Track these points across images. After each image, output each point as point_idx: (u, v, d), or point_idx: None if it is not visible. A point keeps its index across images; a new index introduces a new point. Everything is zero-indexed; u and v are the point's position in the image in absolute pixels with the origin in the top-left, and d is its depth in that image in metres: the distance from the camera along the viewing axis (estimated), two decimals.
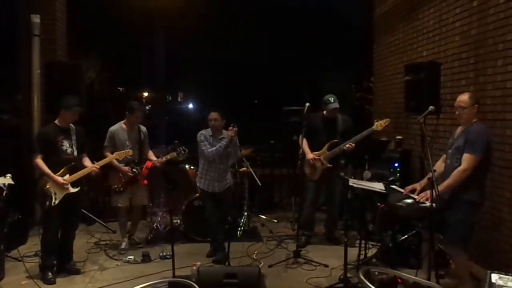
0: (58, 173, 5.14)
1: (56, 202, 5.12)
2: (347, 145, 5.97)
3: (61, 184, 5.10)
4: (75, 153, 5.32)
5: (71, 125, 5.35)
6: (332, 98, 6.17)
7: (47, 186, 5.12)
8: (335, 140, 6.14)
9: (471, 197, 4.34)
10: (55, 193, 5.12)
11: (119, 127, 6.17)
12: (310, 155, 6.18)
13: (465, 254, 4.49)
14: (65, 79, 6.66)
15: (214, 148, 5.70)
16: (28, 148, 5.55)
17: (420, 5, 7.00)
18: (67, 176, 5.18)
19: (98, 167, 5.37)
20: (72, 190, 5.19)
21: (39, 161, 5.14)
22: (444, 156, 4.69)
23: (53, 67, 6.97)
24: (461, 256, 4.48)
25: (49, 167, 5.14)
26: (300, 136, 6.25)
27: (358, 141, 5.98)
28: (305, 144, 6.25)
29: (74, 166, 5.27)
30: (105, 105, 22.64)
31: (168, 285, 4.38)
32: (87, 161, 5.46)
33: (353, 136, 6.05)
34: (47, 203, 5.10)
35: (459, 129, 4.57)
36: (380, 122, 5.82)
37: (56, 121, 5.34)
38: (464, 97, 4.47)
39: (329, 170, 6.21)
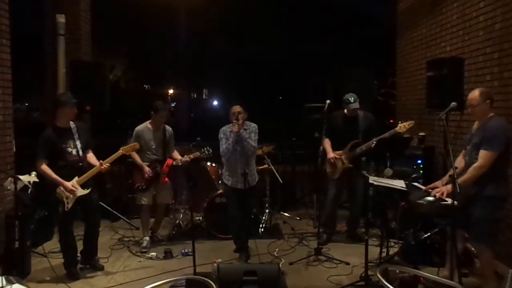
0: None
1: (69, 206, 5.08)
2: (373, 143, 5.91)
3: (70, 190, 5.03)
4: (80, 152, 5.21)
5: (71, 123, 5.26)
6: (352, 98, 6.09)
7: (58, 192, 5.07)
8: (356, 141, 6.09)
9: (492, 192, 4.28)
10: (66, 198, 5.07)
11: (144, 127, 6.25)
12: (331, 154, 6.16)
13: (491, 252, 4.41)
14: (90, 77, 6.80)
15: (224, 146, 5.64)
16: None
17: None
18: (75, 179, 5.10)
19: (107, 165, 5.23)
20: (82, 192, 5.13)
21: (45, 167, 5.03)
22: (463, 152, 4.62)
23: (77, 66, 7.11)
24: (487, 253, 4.41)
25: (57, 171, 5.05)
26: (323, 135, 6.23)
27: (380, 141, 5.92)
28: (326, 143, 6.22)
29: (82, 167, 5.19)
30: (131, 102, 22.95)
31: (186, 282, 4.43)
32: (93, 159, 5.33)
33: (375, 133, 6.00)
34: (60, 209, 5.08)
35: (475, 125, 4.50)
36: (404, 124, 5.74)
37: (55, 122, 5.20)
38: (474, 94, 4.38)
39: (350, 169, 6.17)
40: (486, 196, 4.28)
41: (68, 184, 5.04)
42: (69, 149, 5.16)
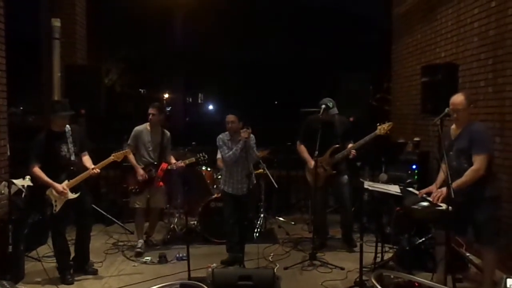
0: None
1: (57, 209, 5.09)
2: (352, 152, 5.95)
3: (60, 192, 5.05)
4: (73, 156, 5.23)
5: (67, 126, 5.28)
6: (331, 103, 5.98)
7: (47, 194, 5.09)
8: (337, 145, 6.06)
9: (492, 192, 4.36)
10: (55, 200, 5.09)
11: (143, 128, 6.24)
12: (311, 163, 5.98)
13: (496, 254, 4.44)
14: (85, 81, 6.79)
15: (231, 152, 5.65)
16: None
17: (438, 5, 6.94)
18: (65, 182, 5.11)
19: (98, 170, 5.25)
20: (72, 196, 5.14)
21: (37, 170, 5.07)
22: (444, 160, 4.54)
23: (73, 70, 7.12)
24: (493, 255, 4.43)
25: (50, 174, 5.08)
26: (298, 142, 6.23)
27: (362, 146, 5.92)
28: (304, 151, 6.19)
29: (73, 171, 5.20)
30: (126, 106, 22.93)
31: (180, 287, 4.42)
32: (88, 162, 5.36)
33: (351, 137, 6.01)
34: (49, 211, 5.11)
35: (454, 130, 4.52)
36: (383, 126, 5.70)
37: (50, 127, 5.25)
38: (459, 99, 4.41)
39: (333, 176, 6.15)
40: (487, 197, 4.34)
41: (59, 186, 5.06)
42: (63, 153, 5.18)
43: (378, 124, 5.78)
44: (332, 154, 6.08)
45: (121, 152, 5.55)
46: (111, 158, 5.44)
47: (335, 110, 6.05)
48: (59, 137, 5.20)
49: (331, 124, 6.11)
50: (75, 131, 5.33)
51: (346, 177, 6.26)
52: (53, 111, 5.21)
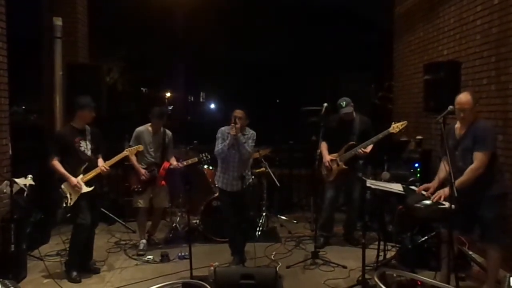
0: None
1: (71, 202, 5.18)
2: (359, 150, 5.96)
3: (74, 185, 5.16)
4: (89, 153, 5.37)
5: (86, 126, 5.42)
6: (344, 102, 6.09)
7: (62, 187, 5.19)
8: (352, 142, 6.11)
9: (498, 190, 4.36)
10: (69, 194, 5.19)
11: (145, 129, 6.24)
12: (326, 158, 6.19)
13: (501, 252, 4.43)
14: (86, 80, 6.78)
15: (220, 146, 5.58)
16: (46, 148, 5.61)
17: (441, 3, 6.92)
18: (81, 176, 5.24)
19: (107, 166, 5.39)
20: (86, 189, 5.24)
21: (56, 163, 5.20)
22: (446, 158, 4.48)
23: (74, 69, 7.10)
24: (497, 253, 4.42)
25: (68, 168, 5.21)
26: (320, 138, 6.24)
27: (374, 143, 5.93)
28: (323, 146, 6.22)
29: (88, 166, 5.32)
30: (128, 105, 22.90)
31: (182, 286, 4.41)
32: (100, 163, 5.47)
33: (371, 137, 6.01)
34: (64, 204, 5.18)
35: (459, 129, 4.50)
36: (397, 124, 5.72)
37: (72, 123, 5.41)
38: (467, 98, 4.39)
39: (346, 172, 6.17)
40: (494, 195, 4.33)
41: (74, 180, 5.17)
42: (82, 148, 5.33)
43: (393, 122, 5.79)
44: (347, 150, 6.14)
45: (134, 147, 5.80)
46: (125, 153, 5.66)
47: (347, 109, 6.12)
48: (79, 133, 5.36)
49: (349, 123, 6.21)
50: (94, 132, 5.48)
51: (360, 175, 6.26)
52: (79, 106, 5.33)
